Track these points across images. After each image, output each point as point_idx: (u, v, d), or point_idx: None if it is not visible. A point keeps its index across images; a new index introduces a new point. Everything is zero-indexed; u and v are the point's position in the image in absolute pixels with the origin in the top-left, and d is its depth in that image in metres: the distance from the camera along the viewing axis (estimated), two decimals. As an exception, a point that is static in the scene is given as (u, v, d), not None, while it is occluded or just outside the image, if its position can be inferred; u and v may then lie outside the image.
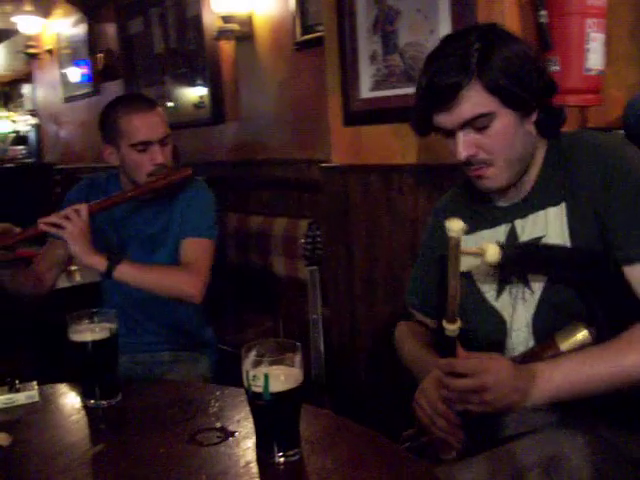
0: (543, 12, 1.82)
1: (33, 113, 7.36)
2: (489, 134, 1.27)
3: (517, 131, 1.28)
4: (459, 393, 1.19)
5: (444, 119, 1.29)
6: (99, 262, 1.84)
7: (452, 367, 1.19)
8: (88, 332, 1.35)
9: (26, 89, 8.50)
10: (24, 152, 8.05)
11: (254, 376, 1.03)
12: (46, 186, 5.39)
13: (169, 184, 2.01)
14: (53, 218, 1.82)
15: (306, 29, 3.05)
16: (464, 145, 1.29)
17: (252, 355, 1.06)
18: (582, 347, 1.21)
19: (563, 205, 1.30)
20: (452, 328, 1.19)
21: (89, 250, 1.83)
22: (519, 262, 1.33)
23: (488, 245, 1.24)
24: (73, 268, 2.95)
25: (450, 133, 1.31)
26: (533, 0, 1.84)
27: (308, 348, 2.33)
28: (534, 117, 1.30)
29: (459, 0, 1.90)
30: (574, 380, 1.17)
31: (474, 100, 1.24)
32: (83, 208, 1.84)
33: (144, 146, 1.99)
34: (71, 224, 1.81)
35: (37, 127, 6.98)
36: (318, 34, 2.80)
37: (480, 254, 1.24)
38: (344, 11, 2.25)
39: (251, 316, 3.13)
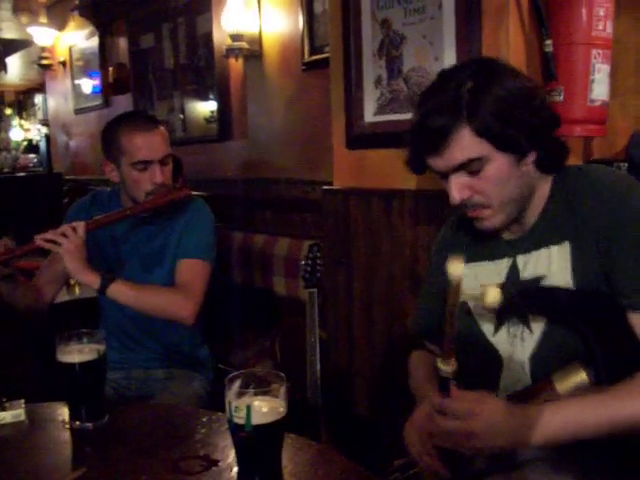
0: (548, 42, 1.81)
1: (45, 123, 7.43)
2: (482, 178, 1.23)
3: (512, 174, 1.24)
4: (447, 434, 1.16)
5: (435, 162, 1.26)
6: (93, 280, 1.85)
7: (443, 407, 1.17)
8: (76, 353, 1.34)
9: (38, 99, 8.59)
10: (35, 161, 8.12)
11: (236, 407, 1.02)
12: (55, 196, 5.42)
13: (168, 203, 2.01)
14: (50, 235, 1.83)
15: (314, 49, 3.05)
16: (457, 189, 1.25)
17: (236, 386, 1.05)
18: (580, 389, 1.18)
19: (567, 244, 1.26)
20: (446, 369, 1.16)
21: (83, 267, 1.84)
22: (520, 305, 1.29)
23: (488, 288, 1.22)
24: (73, 282, 2.94)
25: (444, 175, 1.28)
26: (538, 29, 1.83)
27: (305, 370, 2.31)
28: (532, 157, 1.25)
29: (464, 28, 1.89)
30: (573, 425, 1.13)
31: (464, 145, 1.20)
32: (80, 226, 1.85)
33: (144, 165, 1.99)
34: (67, 241, 1.82)
35: (48, 137, 7.04)
36: (326, 55, 2.80)
37: (480, 298, 1.22)
38: (350, 34, 2.25)
39: (250, 335, 3.10)
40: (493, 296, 1.21)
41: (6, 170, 8.45)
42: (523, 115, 1.20)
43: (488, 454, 1.16)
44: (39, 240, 1.83)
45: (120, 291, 1.86)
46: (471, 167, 1.22)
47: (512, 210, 1.29)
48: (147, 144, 1.99)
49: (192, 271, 2.02)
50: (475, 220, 1.31)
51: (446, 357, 1.17)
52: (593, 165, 1.39)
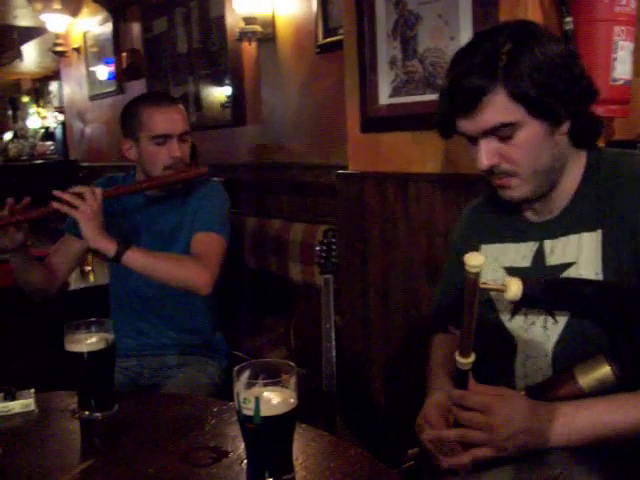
0: (569, 19, 1.74)
1: (60, 110, 7.44)
2: (513, 144, 1.18)
3: (544, 142, 1.18)
4: (466, 428, 1.13)
5: (466, 125, 1.20)
6: (109, 246, 1.81)
7: (462, 400, 1.13)
8: (84, 342, 1.32)
9: (54, 86, 8.61)
10: (52, 148, 8.15)
11: (245, 399, 0.99)
12: (71, 183, 5.42)
13: (184, 179, 2.02)
14: (67, 195, 1.79)
15: (328, 31, 3.00)
16: (486, 154, 1.20)
17: (245, 376, 1.02)
18: (603, 384, 1.13)
19: (599, 232, 1.20)
20: (465, 362, 1.12)
21: (100, 233, 1.81)
22: (543, 298, 1.23)
23: (511, 281, 1.16)
24: (88, 269, 2.94)
25: (473, 139, 1.22)
26: (558, 7, 1.77)
27: (320, 357, 2.28)
28: (566, 127, 1.19)
29: (481, 6, 1.83)
30: (596, 427, 1.09)
31: (497, 108, 1.15)
32: (98, 190, 1.83)
33: (163, 139, 2.01)
34: (84, 204, 1.78)
35: (64, 124, 7.05)
36: (340, 37, 2.75)
37: (502, 290, 1.17)
38: (364, 15, 2.20)
39: (265, 322, 3.08)
40: (515, 289, 1.16)
41: (24, 158, 8.49)
42: (562, 82, 1.14)
43: (509, 452, 1.11)
44: (55, 203, 1.78)
45: (136, 258, 1.83)
46: (503, 132, 1.17)
47: (541, 182, 1.23)
48: (167, 118, 2.02)
49: (207, 244, 2.00)
50: (500, 189, 1.26)
51: (465, 350, 1.13)
52: (630, 150, 1.33)
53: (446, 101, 1.22)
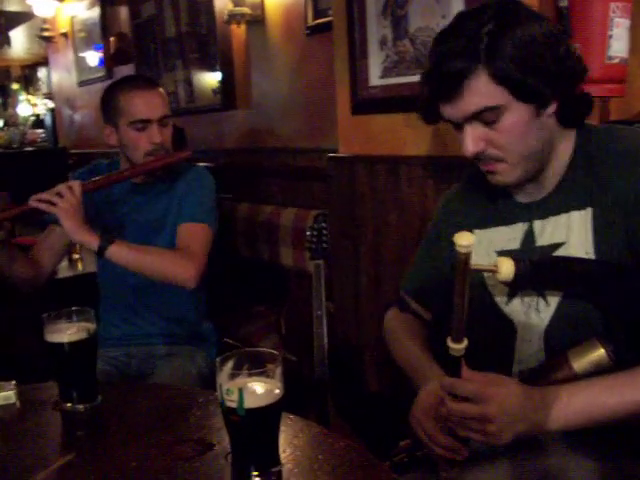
0: (563, -5, 1.70)
1: (49, 97, 7.35)
2: (498, 129, 1.13)
3: (531, 125, 1.14)
4: (460, 418, 1.09)
5: (449, 111, 1.16)
6: (91, 240, 1.78)
7: (454, 389, 1.09)
8: (65, 332, 1.28)
9: (42, 73, 8.51)
10: (43, 136, 8.07)
11: (228, 390, 0.95)
12: (60, 170, 5.36)
13: (167, 165, 1.97)
14: (45, 195, 1.77)
15: (318, 13, 2.94)
16: (471, 140, 1.16)
17: (228, 367, 0.97)
18: (597, 367, 1.10)
19: (589, 210, 1.17)
20: (457, 348, 1.08)
21: (81, 227, 1.77)
22: (534, 278, 1.20)
23: (502, 261, 1.12)
24: (76, 257, 2.89)
25: (458, 125, 1.18)
26: (553, -17, 1.72)
27: (312, 344, 2.25)
28: (553, 108, 1.15)
29: (473, -18, 1.79)
30: (593, 409, 1.06)
31: (480, 92, 1.10)
32: (76, 185, 1.79)
33: (143, 124, 1.96)
34: (63, 200, 1.75)
35: (53, 111, 6.97)
36: (330, 18, 2.69)
37: (493, 271, 1.13)
38: (353, -6, 2.15)
39: (256, 308, 3.05)
40: (506, 269, 1.12)
41: (15, 146, 8.40)
42: (546, 63, 1.09)
43: (505, 441, 1.07)
44: (33, 201, 1.76)
45: (120, 252, 1.80)
46: (487, 117, 1.13)
47: (529, 166, 1.19)
48: (145, 103, 1.96)
49: (193, 234, 1.96)
50: (488, 174, 1.22)
51: (457, 336, 1.09)
52: (620, 126, 1.28)
53: (428, 86, 1.17)
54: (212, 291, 2.26)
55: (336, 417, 2.18)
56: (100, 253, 1.79)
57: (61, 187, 1.79)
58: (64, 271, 2.81)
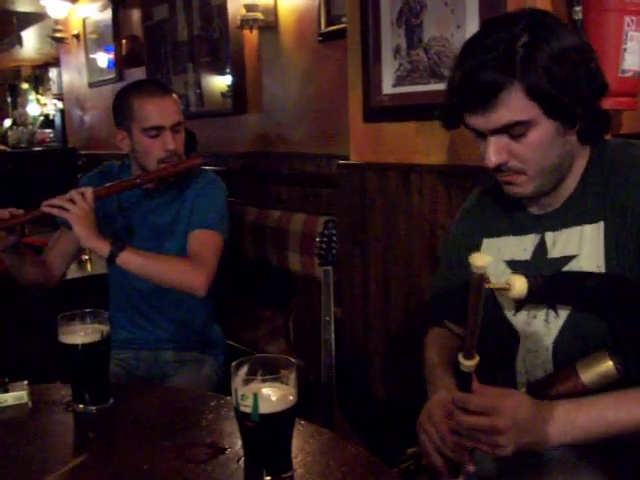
0: (578, 8, 1.70)
1: (60, 97, 7.38)
2: (524, 142, 1.13)
3: (555, 142, 1.13)
4: (470, 430, 1.10)
5: (477, 121, 1.15)
6: (102, 247, 1.78)
7: (465, 403, 1.10)
8: (79, 334, 1.29)
9: (53, 73, 8.55)
10: (52, 136, 8.10)
11: (243, 395, 0.96)
12: (70, 171, 5.39)
13: (178, 172, 1.96)
14: (57, 201, 1.77)
15: (331, 20, 2.96)
16: (495, 151, 1.15)
17: (242, 372, 0.98)
18: (605, 379, 1.11)
19: (602, 224, 1.17)
20: (468, 364, 1.09)
21: (93, 234, 1.77)
22: (546, 293, 1.20)
23: (515, 279, 1.13)
24: (85, 257, 2.90)
25: (481, 134, 1.17)
26: (567, -5, 1.73)
27: (319, 350, 2.26)
28: (577, 126, 1.15)
29: (488, -7, 1.80)
30: (600, 423, 1.06)
31: (513, 106, 1.09)
32: (88, 191, 1.79)
33: (156, 131, 1.94)
34: (75, 207, 1.76)
35: (62, 112, 7.00)
36: (343, 25, 2.71)
37: (506, 289, 1.13)
38: (368, 2, 2.16)
39: (264, 313, 3.05)
40: (519, 287, 1.13)
41: (23, 145, 8.44)
42: (580, 79, 1.09)
43: (511, 452, 1.08)
44: (45, 206, 1.77)
45: (130, 259, 1.80)
46: (515, 130, 1.12)
47: (548, 180, 1.19)
48: (159, 110, 1.94)
49: (204, 242, 1.95)
50: (506, 184, 1.22)
51: (469, 352, 1.09)
52: (634, 141, 1.28)
53: (457, 95, 1.16)
54: (219, 295, 2.26)
55: (342, 422, 2.19)
56: (111, 260, 1.79)
57: (73, 193, 1.78)
58: (73, 272, 2.81)
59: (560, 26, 1.13)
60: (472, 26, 1.83)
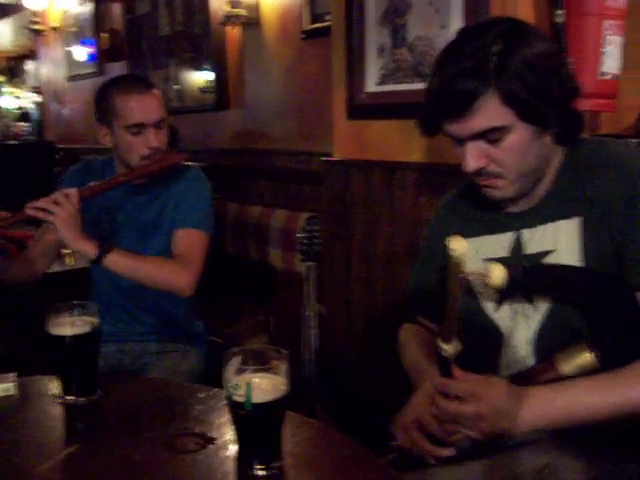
0: (560, 11, 1.75)
1: (37, 90, 7.30)
2: (501, 147, 1.16)
3: (532, 145, 1.17)
4: (451, 416, 1.13)
5: (454, 128, 1.18)
6: (89, 249, 1.78)
7: (446, 388, 1.13)
8: (68, 326, 1.29)
9: (30, 66, 8.44)
10: (27, 129, 8.00)
11: (236, 384, 0.97)
12: (47, 165, 5.33)
13: (162, 168, 1.96)
14: (41, 203, 1.76)
15: (315, 17, 2.98)
16: (473, 157, 1.19)
17: (235, 362, 1.00)
18: (584, 370, 1.14)
19: (577, 219, 1.20)
20: (448, 349, 1.12)
21: (79, 236, 1.78)
22: (524, 284, 1.24)
23: (493, 267, 1.15)
24: (65, 252, 2.88)
25: (459, 140, 1.20)
26: (550, -1, 1.77)
27: (300, 345, 2.28)
28: (553, 128, 1.19)
29: (472, -5, 1.83)
30: (577, 408, 1.10)
31: (489, 112, 1.13)
32: (73, 193, 1.79)
33: (138, 128, 1.94)
34: (60, 209, 1.75)
35: (40, 105, 6.92)
36: (327, 23, 2.73)
37: (485, 276, 1.16)
38: (353, 1, 2.18)
39: (245, 309, 3.07)
40: (498, 275, 1.16)
41: (-2, 138, 8.32)
42: (552, 85, 1.13)
43: (492, 435, 1.12)
44: (30, 209, 1.76)
45: (117, 261, 1.81)
46: (491, 136, 1.16)
47: (526, 182, 1.23)
48: (141, 106, 1.93)
49: (190, 241, 1.96)
50: (485, 188, 1.25)
51: (448, 337, 1.13)
52: (607, 138, 1.33)
53: (434, 103, 1.19)
54: (199, 290, 2.27)
55: (323, 417, 2.21)
56: (97, 262, 1.79)
57: (58, 195, 1.77)
58: (54, 266, 2.80)
59: (532, 33, 1.16)
60: (456, 26, 1.86)
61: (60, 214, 1.75)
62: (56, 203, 1.76)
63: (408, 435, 1.24)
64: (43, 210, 1.76)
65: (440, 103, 1.18)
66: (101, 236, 1.92)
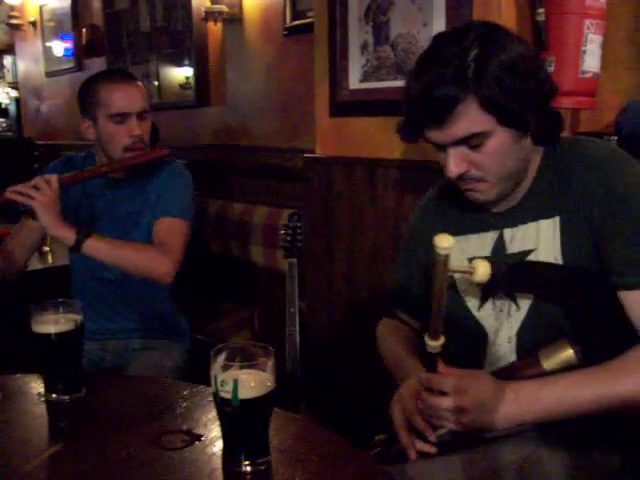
0: (541, 10, 1.77)
1: (14, 86, 7.21)
2: (483, 152, 1.18)
3: (513, 148, 1.19)
4: (436, 411, 1.14)
5: (435, 135, 1.19)
6: (68, 234, 1.79)
7: (431, 383, 1.14)
8: (52, 323, 1.29)
9: (7, 61, 8.33)
10: (4, 125, 7.90)
11: (222, 381, 0.98)
12: (26, 161, 5.27)
13: (144, 162, 1.98)
14: (21, 187, 1.77)
15: (297, 14, 2.97)
16: (455, 162, 1.19)
17: (221, 359, 1.01)
18: (566, 366, 1.16)
19: (557, 218, 1.22)
20: (434, 345, 1.13)
21: (58, 221, 1.78)
22: (508, 281, 1.25)
23: (477, 263, 1.17)
24: (46, 249, 2.87)
25: (441, 147, 1.21)
26: (531, -3, 1.79)
27: (284, 341, 2.28)
28: (532, 131, 1.20)
29: (455, -7, 1.84)
30: (563, 403, 1.11)
31: (469, 118, 1.13)
32: (53, 178, 1.80)
33: (122, 118, 1.96)
34: (40, 194, 1.76)
35: (18, 100, 6.84)
36: (309, 20, 2.73)
37: (470, 272, 1.17)
38: (335, -2, 2.19)
39: (227, 305, 3.06)
40: (482, 271, 1.17)
41: (-26, 134, 8.21)
42: (530, 87, 1.14)
43: (476, 430, 1.13)
44: (10, 193, 1.76)
45: (96, 247, 1.81)
46: (473, 141, 1.17)
47: (508, 185, 1.25)
48: (125, 96, 1.97)
49: (170, 229, 1.97)
50: (468, 191, 1.26)
51: (433, 332, 1.14)
52: (586, 137, 1.34)
53: (415, 110, 1.19)
54: (182, 287, 2.27)
55: (307, 413, 2.22)
56: (77, 247, 1.79)
57: (38, 180, 1.79)
58: (34, 264, 2.78)
59: (508, 36, 1.17)
60: (439, 24, 1.88)
61: (40, 199, 1.75)
62: (36, 188, 1.77)
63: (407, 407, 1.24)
64: (23, 194, 1.76)
65: (420, 110, 1.18)
66: (79, 223, 1.92)
